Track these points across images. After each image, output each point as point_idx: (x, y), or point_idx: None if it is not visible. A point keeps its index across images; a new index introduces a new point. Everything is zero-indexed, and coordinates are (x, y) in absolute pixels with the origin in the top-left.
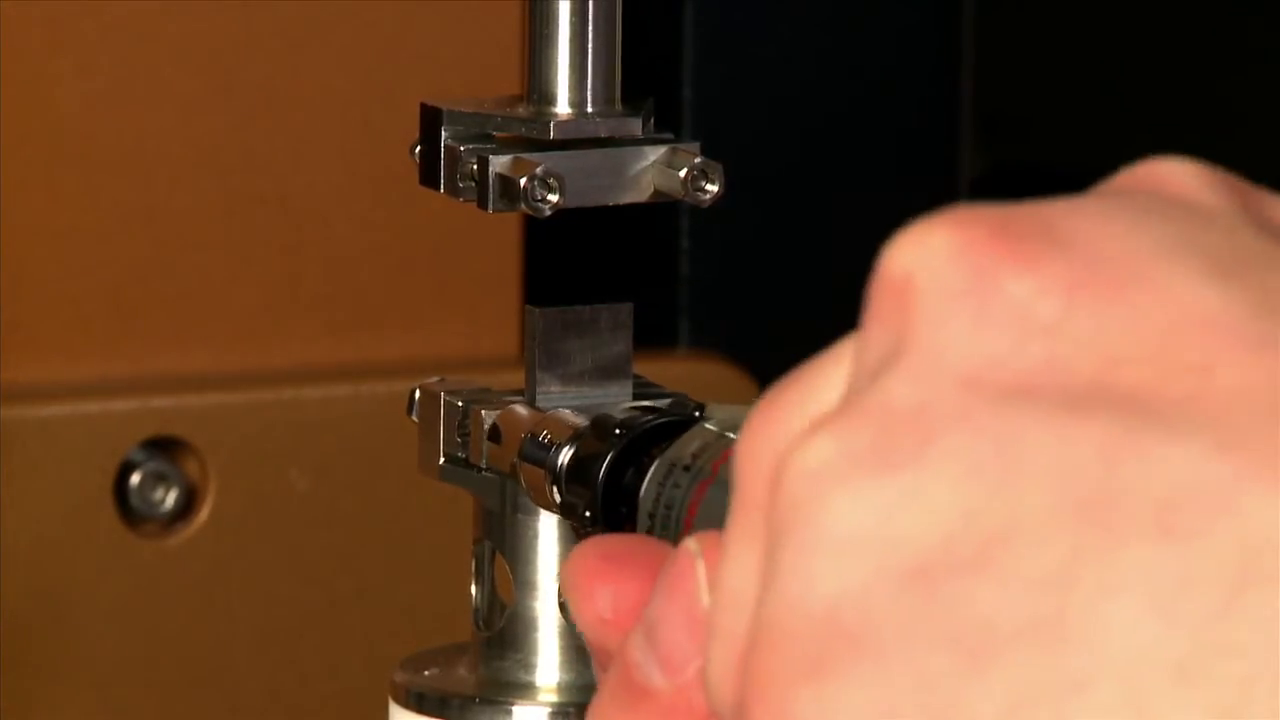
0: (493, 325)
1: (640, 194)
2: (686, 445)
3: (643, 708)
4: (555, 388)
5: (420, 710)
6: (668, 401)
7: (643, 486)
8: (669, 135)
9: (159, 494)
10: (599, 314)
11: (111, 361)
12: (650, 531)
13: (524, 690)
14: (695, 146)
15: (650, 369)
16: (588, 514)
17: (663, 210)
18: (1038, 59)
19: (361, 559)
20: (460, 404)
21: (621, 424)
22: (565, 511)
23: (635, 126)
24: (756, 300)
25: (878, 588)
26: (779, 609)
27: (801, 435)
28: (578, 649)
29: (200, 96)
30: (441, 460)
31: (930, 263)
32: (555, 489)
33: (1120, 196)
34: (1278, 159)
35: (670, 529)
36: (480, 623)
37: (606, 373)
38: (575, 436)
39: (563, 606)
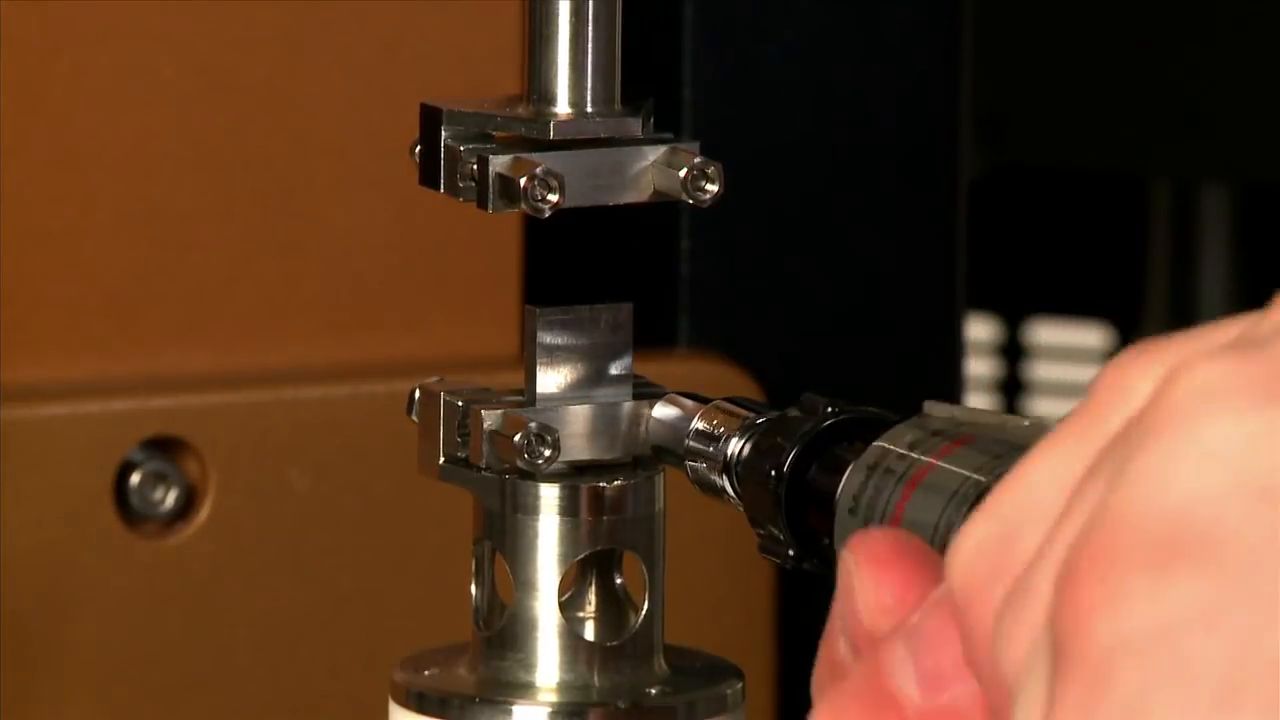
0: (493, 325)
1: (640, 194)
2: (896, 440)
3: (887, 715)
4: (555, 388)
5: (420, 710)
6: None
7: (840, 483)
8: (669, 135)
9: (159, 494)
10: (599, 314)
11: (111, 361)
12: (845, 523)
13: (524, 690)
14: (695, 146)
15: (650, 369)
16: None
17: (663, 210)
18: (1038, 59)
19: (361, 559)
20: (460, 404)
21: (808, 418)
22: (748, 496)
23: (635, 126)
24: (756, 300)
25: (1236, 500)
26: (1132, 502)
27: (1200, 354)
28: (577, 649)
29: (200, 96)
30: (441, 460)
31: None
32: (727, 479)
33: None
34: (1276, 158)
35: (873, 522)
36: (480, 623)
37: (606, 373)
38: (749, 427)
39: (563, 606)
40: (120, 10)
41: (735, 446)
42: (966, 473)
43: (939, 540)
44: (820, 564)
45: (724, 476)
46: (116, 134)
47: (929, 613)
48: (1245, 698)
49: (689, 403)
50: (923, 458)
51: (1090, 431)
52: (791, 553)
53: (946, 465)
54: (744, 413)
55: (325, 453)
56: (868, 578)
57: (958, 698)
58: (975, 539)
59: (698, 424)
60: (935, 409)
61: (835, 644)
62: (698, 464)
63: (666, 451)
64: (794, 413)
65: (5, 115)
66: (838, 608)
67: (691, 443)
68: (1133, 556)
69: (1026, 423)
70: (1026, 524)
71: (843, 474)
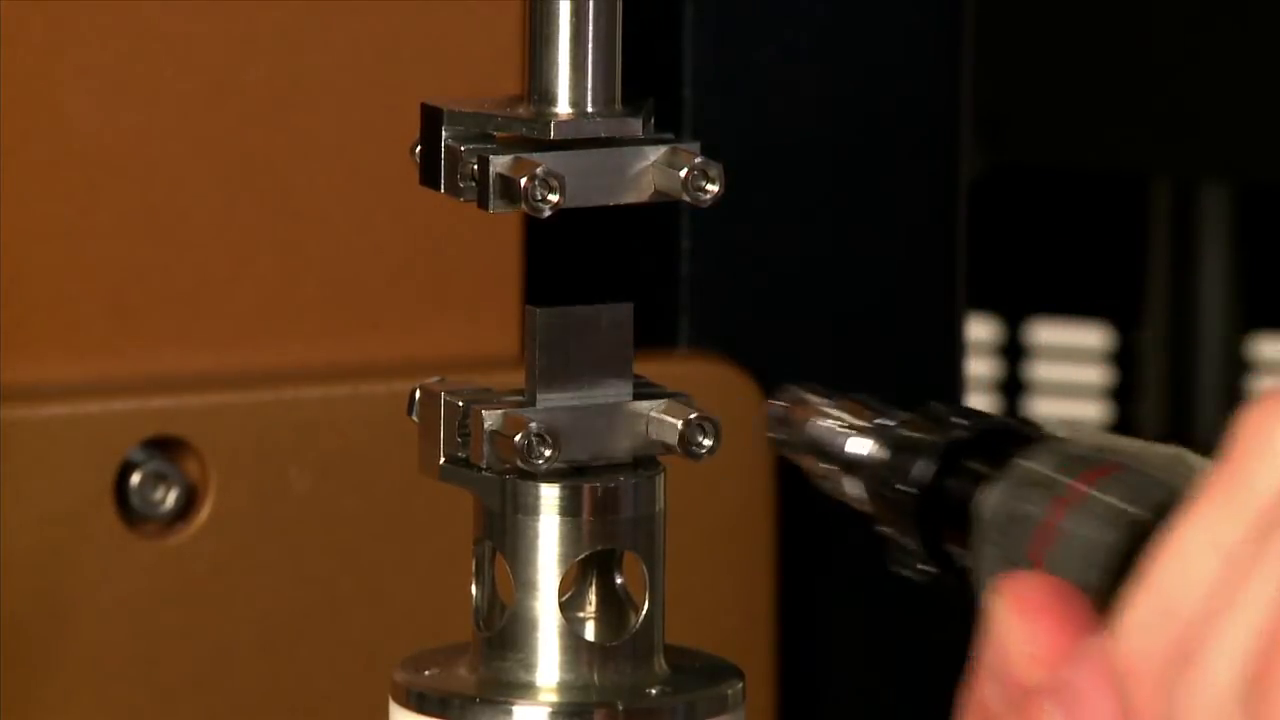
0: (493, 325)
1: (640, 194)
2: (1040, 461)
3: None
4: (555, 388)
5: (420, 710)
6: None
7: (982, 502)
8: (669, 135)
9: (159, 494)
10: (599, 314)
11: (111, 361)
12: (985, 539)
13: (524, 690)
14: (695, 146)
15: (650, 369)
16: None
17: (663, 210)
18: (1038, 59)
19: (361, 559)
20: (460, 404)
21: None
22: (882, 507)
23: (635, 126)
24: (756, 300)
25: None
26: None
27: None
28: (577, 649)
29: (200, 96)
30: (442, 460)
31: None
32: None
33: None
34: (1276, 158)
35: (1015, 542)
36: (480, 623)
37: (606, 373)
38: (878, 431)
39: (563, 606)
40: (121, 10)
41: (864, 449)
42: (1119, 502)
43: (1093, 565)
44: (955, 579)
45: (849, 479)
46: (117, 134)
47: (1080, 670)
48: None
49: (812, 397)
50: (1072, 482)
51: (1235, 489)
52: (921, 566)
53: (1096, 493)
54: (870, 414)
55: (325, 453)
56: (1019, 627)
57: None
58: (1137, 617)
59: (820, 422)
60: (1073, 431)
61: (984, 689)
62: (817, 463)
63: (787, 445)
64: (923, 420)
65: (6, 115)
66: (986, 654)
67: (813, 437)
68: None
69: (1164, 450)
70: (1185, 595)
71: (983, 491)
